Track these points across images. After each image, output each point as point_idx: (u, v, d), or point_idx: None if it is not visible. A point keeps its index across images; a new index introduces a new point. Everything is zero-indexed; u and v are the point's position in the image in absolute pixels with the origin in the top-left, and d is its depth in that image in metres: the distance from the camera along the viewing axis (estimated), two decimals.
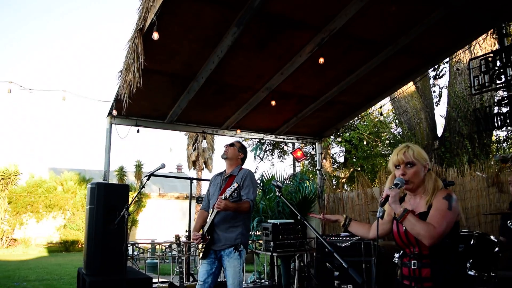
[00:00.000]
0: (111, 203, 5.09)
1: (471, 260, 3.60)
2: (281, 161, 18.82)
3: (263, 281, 6.53)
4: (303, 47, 5.12)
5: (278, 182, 2.87)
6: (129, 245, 8.21)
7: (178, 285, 5.18)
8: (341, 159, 17.24)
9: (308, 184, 8.30)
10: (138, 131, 6.53)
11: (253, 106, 6.34)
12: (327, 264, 5.64)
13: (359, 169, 13.03)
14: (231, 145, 4.33)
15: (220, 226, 3.95)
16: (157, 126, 6.71)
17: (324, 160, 12.30)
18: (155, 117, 6.58)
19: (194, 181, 24.05)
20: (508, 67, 5.39)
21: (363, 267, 4.81)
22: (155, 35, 4.12)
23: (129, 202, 5.00)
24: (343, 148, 15.59)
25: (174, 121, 6.65)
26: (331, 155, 17.20)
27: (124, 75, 4.99)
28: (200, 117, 6.83)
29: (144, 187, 5.05)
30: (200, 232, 4.07)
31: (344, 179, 15.00)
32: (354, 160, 13.69)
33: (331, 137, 14.43)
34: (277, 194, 2.75)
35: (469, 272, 3.56)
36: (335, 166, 17.33)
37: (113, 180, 21.99)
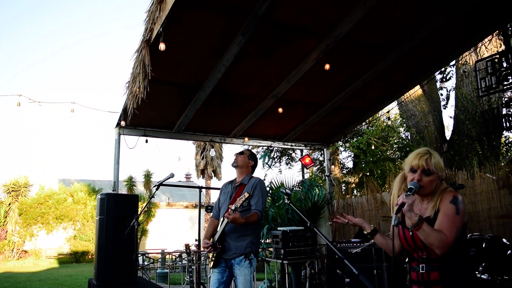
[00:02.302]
0: (120, 214, 5.12)
1: (483, 264, 3.56)
2: (289, 168, 18.80)
3: None
4: (308, 54, 5.14)
5: (287, 190, 2.86)
6: (139, 255, 8.23)
7: None
8: (350, 164, 17.19)
9: (317, 190, 8.27)
10: (146, 141, 6.58)
11: (260, 114, 6.36)
12: (338, 271, 5.60)
13: (368, 174, 12.97)
14: (241, 153, 4.33)
15: (230, 235, 3.95)
16: (165, 135, 6.76)
17: (332, 166, 12.26)
18: (163, 127, 6.62)
19: (203, 190, 24.09)
20: None
21: (374, 273, 4.77)
22: (162, 46, 4.16)
23: (139, 212, 5.02)
24: (352, 153, 15.54)
25: (182, 130, 6.68)
26: (339, 160, 17.15)
27: (131, 86, 5.04)
28: (208, 126, 6.86)
29: (154, 197, 5.07)
30: (211, 240, 4.07)
31: (354, 185, 14.93)
32: (363, 165, 13.64)
33: (340, 142, 14.40)
34: (286, 201, 2.75)
35: (482, 276, 3.52)
36: (344, 171, 17.27)
37: (123, 190, 22.08)
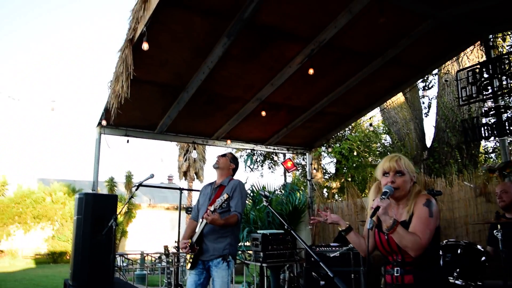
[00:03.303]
0: (99, 214, 5.06)
1: (458, 269, 3.61)
2: (272, 172, 18.85)
3: None
4: (293, 58, 5.16)
5: (265, 192, 2.87)
6: (117, 256, 8.14)
7: None
8: (332, 170, 17.30)
9: (298, 194, 8.31)
10: (128, 141, 6.52)
11: (244, 116, 6.35)
12: (313, 273, 5.63)
13: (349, 179, 13.07)
14: (223, 155, 4.35)
15: (208, 237, 3.94)
16: (147, 136, 6.70)
17: (314, 171, 12.33)
18: (145, 127, 6.57)
19: (185, 192, 23.96)
20: (494, 79, 5.47)
21: (352, 277, 4.81)
22: (145, 46, 4.13)
23: (117, 213, 4.97)
24: (334, 159, 15.64)
25: (164, 131, 6.64)
26: (322, 165, 17.25)
27: (113, 85, 4.99)
28: (191, 128, 6.83)
29: (133, 197, 5.03)
30: (189, 241, 4.05)
31: (335, 190, 15.02)
32: (345, 170, 13.74)
33: (323, 148, 14.48)
34: (264, 203, 2.75)
35: (456, 282, 3.57)
36: (326, 177, 17.37)
37: (103, 190, 21.82)
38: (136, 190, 4.73)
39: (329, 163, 17.77)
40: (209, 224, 3.85)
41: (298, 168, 15.96)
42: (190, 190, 14.61)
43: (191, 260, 4.04)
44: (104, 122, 5.96)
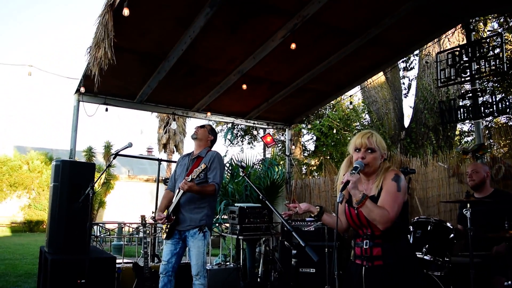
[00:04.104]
0: (76, 181, 5.01)
1: (427, 246, 3.73)
2: (251, 147, 18.91)
3: (228, 263, 6.59)
4: (275, 32, 5.12)
5: (242, 163, 2.90)
6: (94, 225, 8.14)
7: (142, 265, 5.17)
8: (312, 147, 17.44)
9: (277, 169, 8.39)
10: (106, 109, 6.42)
11: (224, 89, 6.31)
12: (286, 242, 5.77)
13: (328, 157, 13.21)
14: (202, 126, 4.37)
15: (185, 207, 3.98)
16: (126, 105, 6.61)
17: (293, 147, 12.41)
18: (124, 96, 6.48)
19: (164, 164, 23.91)
20: (473, 62, 5.55)
21: (326, 251, 4.92)
22: (126, 11, 4.03)
23: (95, 181, 4.94)
24: (314, 137, 15.76)
25: (144, 101, 6.56)
26: (302, 142, 17.36)
27: (93, 51, 4.87)
28: (170, 98, 6.77)
29: (111, 166, 5.00)
30: (165, 213, 4.08)
31: (314, 167, 15.18)
32: (324, 148, 13.87)
33: (303, 125, 14.55)
34: (240, 174, 2.78)
35: (425, 257, 3.70)
36: (305, 154, 17.51)
37: (81, 160, 21.58)
38: (113, 158, 4.70)
39: (308, 141, 17.92)
40: (186, 194, 3.89)
41: (278, 144, 16.04)
42: (168, 161, 14.55)
43: (167, 230, 4.09)
44: (82, 89, 5.86)
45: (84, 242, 4.88)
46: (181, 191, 3.85)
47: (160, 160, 6.69)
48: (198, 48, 5.24)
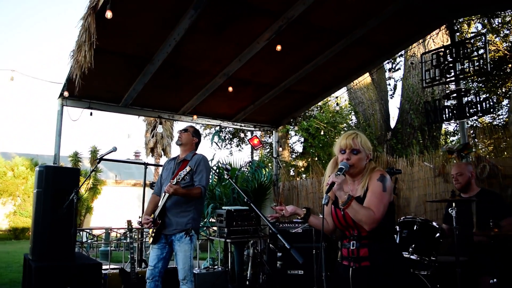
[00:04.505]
0: (60, 187, 4.92)
1: (413, 245, 3.73)
2: (240, 150, 18.89)
3: (216, 267, 6.54)
4: (261, 33, 5.10)
5: (227, 165, 2.87)
6: (81, 231, 8.03)
7: (129, 271, 5.11)
8: (300, 149, 17.48)
9: (264, 172, 8.37)
10: (91, 114, 6.34)
11: (210, 91, 6.28)
12: (270, 245, 5.76)
13: (316, 158, 13.23)
14: (185, 130, 4.32)
15: (171, 211, 3.93)
16: (111, 109, 6.55)
17: (280, 149, 12.42)
18: (109, 100, 6.41)
19: (152, 168, 23.76)
20: (457, 62, 5.59)
21: (313, 252, 4.91)
22: (109, 14, 3.99)
23: (79, 186, 4.87)
24: (302, 138, 15.80)
25: (129, 104, 6.50)
26: (289, 144, 17.39)
27: (76, 55, 4.82)
28: (156, 102, 6.72)
29: (96, 172, 4.94)
30: (152, 216, 4.03)
31: (302, 168, 15.21)
32: (312, 150, 13.91)
33: (291, 126, 14.57)
34: (225, 176, 2.76)
35: (411, 256, 3.70)
36: (293, 155, 17.54)
37: (68, 166, 21.31)
38: (98, 163, 4.64)
39: (295, 142, 17.96)
40: (172, 197, 3.85)
41: (266, 147, 16.03)
42: (155, 165, 14.44)
43: (153, 235, 4.04)
44: (66, 93, 5.78)
45: (69, 248, 4.81)
46: (167, 195, 3.80)
47: (146, 164, 6.63)
48: (183, 51, 5.21)
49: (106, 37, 4.58)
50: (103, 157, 4.61)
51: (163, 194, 3.91)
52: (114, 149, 4.48)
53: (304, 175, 13.99)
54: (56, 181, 4.99)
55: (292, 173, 14.66)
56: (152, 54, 5.25)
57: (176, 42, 4.90)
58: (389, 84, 12.61)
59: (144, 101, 6.55)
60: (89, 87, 5.39)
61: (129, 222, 5.50)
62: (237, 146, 19.01)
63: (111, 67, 5.43)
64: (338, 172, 2.27)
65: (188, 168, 3.64)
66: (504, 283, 3.69)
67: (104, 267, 5.81)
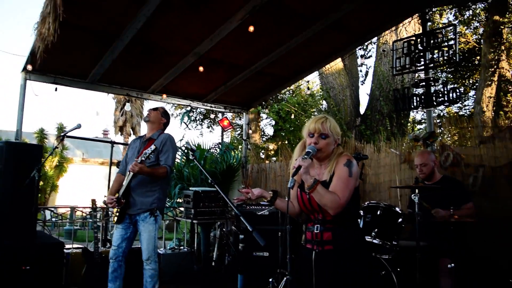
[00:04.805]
0: (21, 164, 4.75)
1: (376, 230, 3.81)
2: (211, 131, 18.79)
3: (182, 248, 6.53)
4: (234, 13, 4.99)
5: (192, 146, 2.83)
6: (44, 210, 7.85)
7: (92, 251, 5.03)
8: (271, 132, 17.53)
9: (233, 154, 8.35)
10: (56, 89, 6.12)
11: (181, 71, 6.15)
12: (233, 227, 5.78)
13: (286, 142, 13.30)
14: (155, 109, 4.28)
15: (136, 190, 3.87)
16: (77, 85, 6.32)
17: (250, 131, 12.41)
18: (75, 76, 6.19)
19: (120, 147, 23.38)
20: (427, 51, 5.66)
21: (279, 235, 4.95)
22: None
23: (41, 163, 4.72)
24: (273, 122, 15.83)
25: (97, 81, 6.30)
26: (261, 127, 17.40)
27: (39, 27, 4.62)
28: (125, 79, 6.54)
29: (58, 148, 4.81)
30: (116, 196, 3.96)
31: (272, 151, 15.27)
32: (283, 133, 13.95)
33: (263, 110, 14.56)
34: (190, 157, 2.72)
35: (374, 241, 3.78)
36: (264, 138, 17.57)
37: (33, 142, 20.75)
38: (61, 140, 4.51)
39: (266, 125, 17.99)
40: (137, 176, 3.79)
41: (237, 129, 16.00)
42: (122, 144, 14.21)
43: (117, 214, 3.98)
44: (29, 67, 5.55)
45: (30, 227, 4.69)
46: (132, 174, 3.74)
47: (113, 143, 6.51)
48: (154, 27, 5.06)
49: (73, 10, 4.39)
50: (66, 134, 4.48)
51: (128, 173, 3.84)
52: (78, 126, 4.36)
53: (274, 158, 14.06)
54: (17, 158, 4.82)
55: (262, 155, 14.71)
56: (121, 29, 5.07)
57: (146, 18, 4.74)
58: (361, 71, 12.72)
59: (112, 78, 6.37)
60: (54, 61, 5.19)
61: (93, 201, 5.39)
62: (208, 127, 18.91)
63: (77, 41, 5.23)
64: (305, 156, 2.26)
65: (153, 147, 3.58)
66: (461, 267, 3.82)
67: (67, 246, 5.73)
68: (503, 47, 10.98)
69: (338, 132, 2.46)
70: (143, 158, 3.59)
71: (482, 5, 11.59)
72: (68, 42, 4.99)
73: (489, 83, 10.69)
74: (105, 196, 5.18)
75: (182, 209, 6.71)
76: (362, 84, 12.46)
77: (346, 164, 2.32)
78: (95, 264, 4.91)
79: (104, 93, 7.18)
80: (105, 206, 5.62)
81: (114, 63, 5.69)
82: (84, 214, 12.44)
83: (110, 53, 5.48)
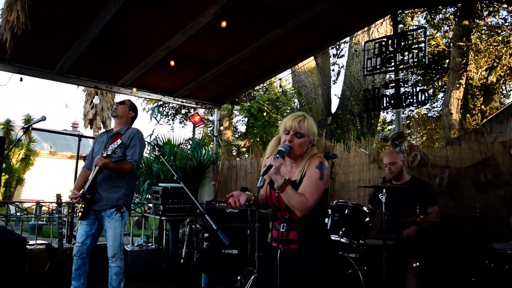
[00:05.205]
0: None
1: (343, 229, 3.83)
2: (183, 126, 18.62)
3: (150, 245, 6.43)
4: (207, 8, 4.93)
5: (158, 141, 2.77)
6: (7, 205, 7.60)
7: (57, 247, 4.90)
8: (243, 129, 17.51)
9: (204, 150, 8.28)
10: (21, 79, 5.92)
11: (152, 64, 6.03)
12: (197, 225, 5.75)
13: (258, 139, 13.29)
14: (122, 103, 4.17)
15: (102, 186, 3.77)
16: (44, 76, 6.11)
17: (222, 128, 12.35)
18: (42, 66, 5.99)
19: (90, 141, 22.84)
20: (398, 53, 5.73)
21: (248, 232, 4.93)
22: None
23: (3, 156, 4.56)
24: (246, 119, 15.81)
25: (65, 72, 6.12)
26: (233, 124, 17.35)
27: (6, 14, 4.45)
28: (94, 71, 6.37)
29: (21, 140, 4.64)
30: (81, 191, 3.86)
31: (244, 148, 15.25)
32: (255, 131, 13.95)
33: (236, 106, 14.51)
34: (156, 153, 2.66)
35: (341, 240, 3.80)
36: (236, 135, 17.53)
37: None
38: (24, 132, 4.36)
39: (238, 122, 17.97)
40: (102, 171, 3.69)
41: (209, 125, 15.89)
42: (89, 137, 13.88)
43: (81, 210, 3.87)
44: None
45: None
46: (97, 169, 3.64)
47: (80, 136, 6.35)
48: (124, 19, 4.93)
49: None
50: (30, 127, 4.33)
51: (94, 168, 3.74)
52: (43, 119, 4.21)
53: (246, 155, 14.04)
54: None
55: (234, 152, 14.67)
56: (91, 20, 4.92)
57: (116, 9, 4.61)
58: (333, 70, 12.85)
59: (80, 70, 6.20)
60: (19, 50, 4.98)
61: (58, 196, 5.25)
62: (180, 122, 18.73)
63: (44, 30, 5.04)
64: (277, 155, 2.23)
65: (119, 141, 3.50)
66: (426, 267, 3.89)
67: (30, 242, 5.56)
68: (471, 51, 11.29)
69: (315, 133, 2.43)
70: (109, 153, 3.50)
71: (452, 9, 11.88)
72: (34, 31, 4.79)
73: (457, 86, 10.96)
74: (71, 191, 5.05)
75: (151, 205, 6.61)
76: (334, 84, 12.60)
77: (318, 166, 2.30)
78: (59, 260, 4.78)
79: (72, 85, 6.99)
80: (70, 201, 5.48)
81: (83, 55, 5.53)
82: (50, 209, 12.11)
83: (78, 44, 5.32)
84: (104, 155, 3.51)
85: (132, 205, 7.25)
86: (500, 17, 12.39)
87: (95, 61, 5.97)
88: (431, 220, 3.98)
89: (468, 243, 4.62)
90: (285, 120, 2.44)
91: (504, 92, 15.61)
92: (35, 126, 4.45)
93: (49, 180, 23.41)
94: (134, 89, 6.88)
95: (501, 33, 11.36)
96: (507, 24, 11.81)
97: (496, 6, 10.72)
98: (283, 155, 2.27)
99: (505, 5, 10.69)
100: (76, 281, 3.79)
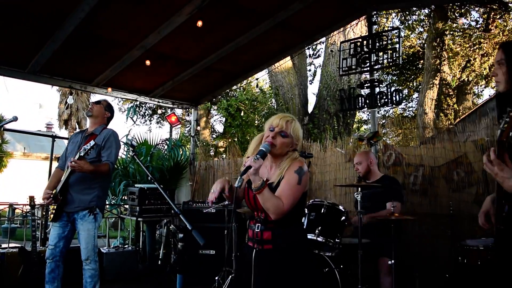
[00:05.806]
0: None
1: (320, 228, 3.86)
2: (160, 127, 18.47)
3: (126, 246, 6.35)
4: (182, 6, 4.90)
5: (133, 141, 2.75)
6: None
7: (30, 250, 4.80)
8: (221, 129, 17.47)
9: (181, 150, 8.23)
10: None
11: (127, 64, 5.95)
12: (172, 225, 5.71)
13: (235, 139, 13.29)
14: (98, 102, 4.12)
15: (74, 187, 3.71)
16: (15, 75, 5.95)
17: (199, 128, 12.30)
18: (13, 65, 5.83)
19: (65, 141, 22.45)
20: (372, 53, 5.80)
21: (225, 232, 4.92)
22: None
23: None
24: (224, 119, 15.78)
25: (37, 71, 5.99)
26: (211, 124, 17.29)
27: None
28: (68, 71, 6.25)
29: None
30: (54, 192, 3.79)
31: (222, 148, 15.23)
32: (233, 131, 13.94)
33: (214, 106, 14.48)
34: (130, 154, 2.63)
35: (318, 238, 3.83)
36: (214, 135, 17.49)
37: None
38: None
39: (215, 121, 17.93)
40: (75, 173, 3.63)
41: (186, 125, 15.80)
42: (64, 138, 13.64)
43: (54, 212, 3.80)
44: None
45: None
46: (70, 170, 3.58)
47: (54, 137, 6.23)
48: (98, 18, 4.85)
49: None
50: (2, 127, 4.23)
51: (67, 168, 3.68)
52: (15, 119, 4.11)
53: (224, 155, 14.01)
54: None
55: (212, 152, 14.63)
56: (64, 18, 4.81)
57: (90, 7, 4.54)
58: (309, 70, 12.94)
59: (54, 69, 6.07)
60: None
61: (31, 198, 5.14)
62: (157, 123, 18.59)
63: (16, 28, 4.93)
64: (257, 156, 2.21)
65: (92, 142, 3.44)
66: (401, 263, 3.95)
67: (3, 246, 5.44)
68: (444, 53, 11.53)
69: (299, 137, 2.43)
70: (81, 154, 3.44)
71: (426, 11, 12.09)
72: (6, 28, 4.71)
73: (431, 86, 11.19)
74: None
75: (127, 206, 6.53)
76: (310, 84, 12.69)
77: (297, 171, 2.30)
78: (32, 264, 4.69)
79: (46, 84, 6.85)
80: (44, 203, 5.37)
81: (56, 53, 5.42)
82: (23, 212, 11.86)
83: (51, 42, 5.20)
84: (76, 156, 3.45)
85: (108, 206, 7.19)
86: (472, 19, 12.66)
87: (69, 60, 5.86)
88: (406, 216, 4.02)
89: (442, 240, 4.71)
90: (272, 117, 2.43)
91: (477, 92, 15.99)
92: (7, 126, 4.36)
93: (23, 182, 22.88)
94: (109, 89, 6.78)
95: (473, 35, 11.61)
96: (478, 26, 12.10)
97: (468, 8, 10.97)
98: (263, 156, 2.26)
99: (476, 8, 10.95)
100: (50, 284, 3.73)
